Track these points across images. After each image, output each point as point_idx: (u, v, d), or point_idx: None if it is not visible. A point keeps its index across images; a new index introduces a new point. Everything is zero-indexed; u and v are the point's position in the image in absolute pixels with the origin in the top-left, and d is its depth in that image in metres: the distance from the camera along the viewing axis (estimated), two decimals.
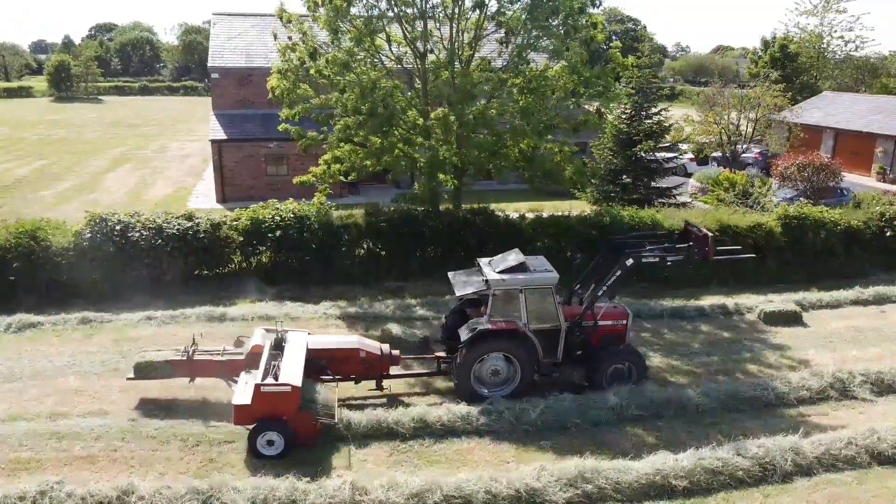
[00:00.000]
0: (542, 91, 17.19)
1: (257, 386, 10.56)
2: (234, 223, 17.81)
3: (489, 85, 17.26)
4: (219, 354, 12.40)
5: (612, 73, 18.83)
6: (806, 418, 12.36)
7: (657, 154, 24.33)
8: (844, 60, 50.41)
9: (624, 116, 24.21)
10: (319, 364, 12.06)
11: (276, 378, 10.81)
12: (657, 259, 13.32)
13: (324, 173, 18.81)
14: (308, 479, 9.80)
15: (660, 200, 23.99)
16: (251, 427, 10.61)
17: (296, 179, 19.29)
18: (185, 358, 12.13)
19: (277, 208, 18.02)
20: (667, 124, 24.11)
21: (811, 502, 10.01)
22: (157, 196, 31.15)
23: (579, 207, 23.38)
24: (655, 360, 14.60)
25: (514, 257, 12.99)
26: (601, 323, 13.16)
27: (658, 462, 10.44)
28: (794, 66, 48.31)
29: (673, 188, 24.67)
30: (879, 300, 18.35)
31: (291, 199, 18.48)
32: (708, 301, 18.10)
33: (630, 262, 13.04)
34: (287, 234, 17.52)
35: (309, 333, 12.85)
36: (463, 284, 12.89)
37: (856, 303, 18.25)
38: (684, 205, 24.38)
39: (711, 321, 17.08)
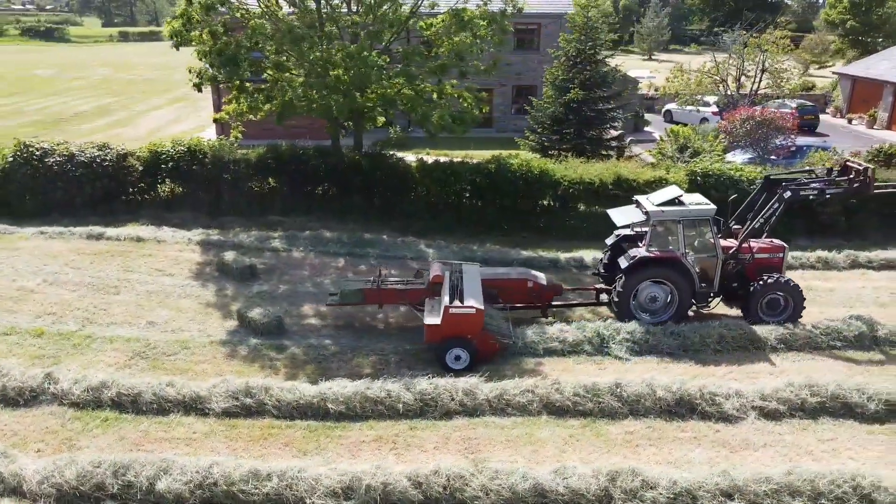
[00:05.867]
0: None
1: (446, 308, 11.88)
2: (139, 154, 19.71)
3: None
4: (402, 284, 13.91)
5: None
6: (539, 367, 12.35)
7: (604, 104, 23.37)
8: None
9: (568, 64, 23.39)
10: (491, 293, 13.40)
11: (461, 301, 12.12)
12: (816, 192, 13.74)
13: (234, 111, 20.07)
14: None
15: (604, 152, 23.20)
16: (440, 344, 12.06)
17: (213, 116, 20.81)
18: (375, 287, 13.64)
19: (176, 142, 19.68)
20: (605, 71, 22.97)
21: (444, 436, 10.32)
22: (175, 131, 34.01)
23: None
24: None
25: (671, 191, 14.02)
26: (758, 255, 13.92)
27: (325, 387, 11.13)
28: (879, 14, 42.81)
29: (611, 139, 23.65)
30: None
31: (185, 134, 20.01)
32: (578, 254, 17.82)
33: (788, 195, 13.60)
34: (179, 166, 19.18)
35: (480, 266, 14.24)
36: (622, 218, 13.95)
37: None
38: (629, 157, 23.41)
39: (561, 272, 16.92)
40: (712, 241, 13.63)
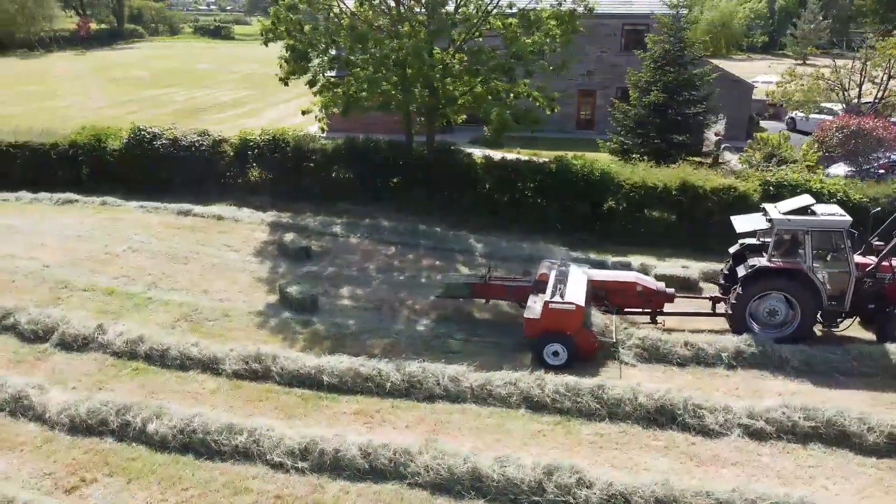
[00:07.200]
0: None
1: (546, 303, 12.19)
2: (232, 141, 21.65)
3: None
4: (510, 281, 14.32)
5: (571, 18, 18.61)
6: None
7: (691, 108, 22.47)
8: None
9: (654, 65, 22.69)
10: (599, 294, 13.63)
11: (562, 298, 12.43)
12: None
13: (325, 103, 21.32)
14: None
15: (693, 158, 22.39)
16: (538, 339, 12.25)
17: (301, 108, 22.33)
18: (483, 282, 14.20)
19: (263, 130, 21.44)
20: (693, 74, 21.97)
21: (419, 417, 10.76)
22: (288, 123, 36.45)
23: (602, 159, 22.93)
24: None
25: (802, 199, 13.39)
26: None
27: (324, 360, 11.93)
28: None
29: (695, 144, 22.64)
30: None
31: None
32: (627, 258, 17.43)
33: None
34: (263, 153, 20.90)
35: (589, 267, 14.51)
36: (745, 225, 13.53)
37: None
38: (718, 163, 22.41)
39: None
40: (845, 255, 12.65)
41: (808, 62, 75.16)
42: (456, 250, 17.98)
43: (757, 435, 10.09)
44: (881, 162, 21.10)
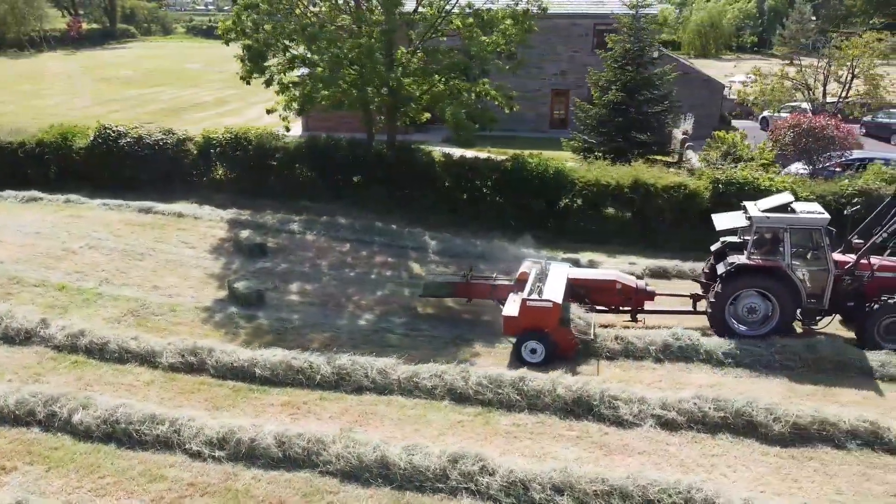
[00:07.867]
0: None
1: (524, 300, 12.33)
2: (196, 140, 21.88)
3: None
4: (492, 280, 14.46)
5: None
6: (474, 358, 12.71)
7: (650, 107, 22.69)
8: None
9: (615, 65, 22.92)
10: (579, 293, 13.79)
11: (539, 296, 12.63)
12: None
13: (289, 101, 21.47)
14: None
15: (656, 157, 22.63)
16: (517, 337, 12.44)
17: (266, 107, 22.57)
18: (464, 281, 14.35)
19: (227, 128, 21.67)
20: (652, 73, 22.20)
21: (344, 408, 11.01)
22: (265, 122, 36.57)
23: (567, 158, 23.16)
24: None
25: (782, 197, 13.50)
26: (879, 274, 12.95)
27: (258, 353, 12.16)
28: None
29: (655, 143, 22.87)
30: None
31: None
32: (576, 255, 17.70)
33: None
34: (225, 152, 21.13)
35: (570, 266, 14.55)
36: (725, 223, 13.66)
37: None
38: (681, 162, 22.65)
39: None
40: (824, 253, 12.74)
41: (794, 62, 75.47)
42: (410, 247, 18.24)
43: (669, 425, 10.32)
44: (834, 161, 21.32)
